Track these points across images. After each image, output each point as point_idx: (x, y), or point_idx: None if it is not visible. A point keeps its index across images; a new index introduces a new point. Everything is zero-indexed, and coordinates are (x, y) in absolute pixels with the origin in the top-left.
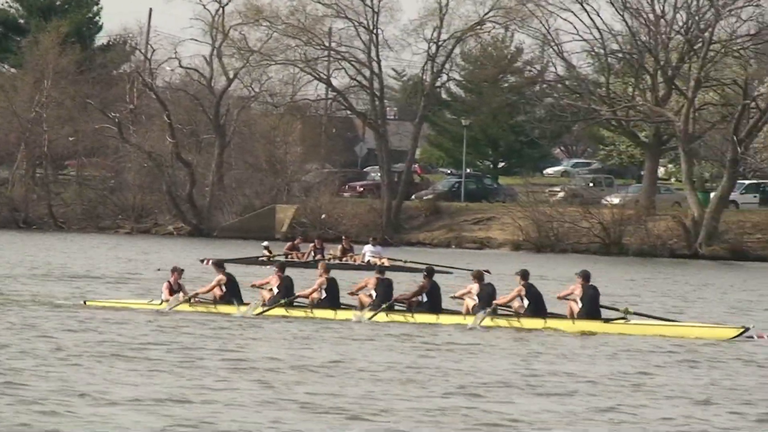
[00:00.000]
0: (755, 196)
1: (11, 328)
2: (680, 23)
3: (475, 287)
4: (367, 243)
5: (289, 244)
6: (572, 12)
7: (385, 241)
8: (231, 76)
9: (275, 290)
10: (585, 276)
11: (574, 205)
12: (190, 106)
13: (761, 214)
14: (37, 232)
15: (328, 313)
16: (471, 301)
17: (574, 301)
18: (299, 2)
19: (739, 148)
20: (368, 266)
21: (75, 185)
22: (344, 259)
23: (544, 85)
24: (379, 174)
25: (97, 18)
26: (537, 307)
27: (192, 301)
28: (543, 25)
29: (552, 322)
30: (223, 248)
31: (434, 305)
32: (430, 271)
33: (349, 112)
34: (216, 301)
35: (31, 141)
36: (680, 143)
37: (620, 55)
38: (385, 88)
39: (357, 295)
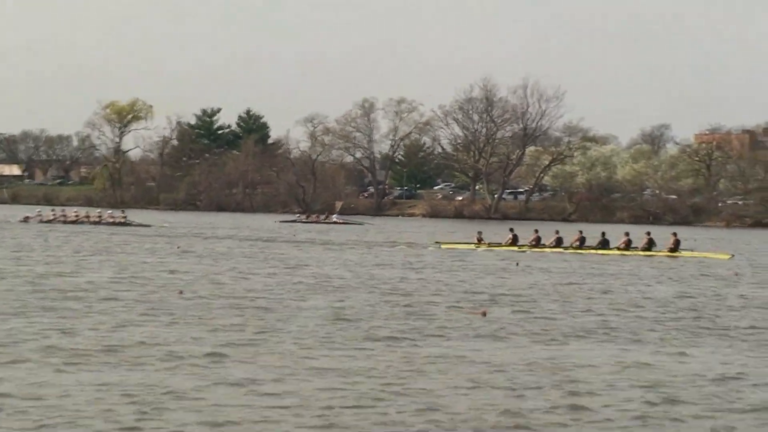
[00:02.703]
0: (514, 197)
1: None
2: (483, 132)
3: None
4: (335, 213)
5: (315, 214)
6: (443, 128)
7: (343, 211)
8: (319, 152)
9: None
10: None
11: (445, 200)
12: (300, 165)
13: (513, 202)
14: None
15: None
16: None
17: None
18: (343, 128)
19: (506, 179)
20: (335, 223)
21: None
22: (325, 218)
23: (434, 156)
24: (372, 188)
25: (269, 133)
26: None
27: (488, 245)
28: (433, 133)
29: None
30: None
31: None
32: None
33: (363, 165)
34: (507, 244)
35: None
36: (484, 177)
37: (461, 144)
38: (375, 157)
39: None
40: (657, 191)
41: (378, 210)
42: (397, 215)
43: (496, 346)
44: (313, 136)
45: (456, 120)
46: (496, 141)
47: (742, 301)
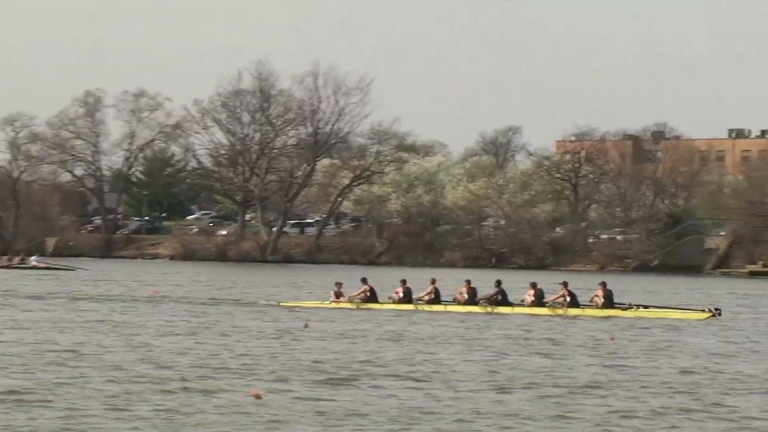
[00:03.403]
0: (300, 231)
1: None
2: (257, 139)
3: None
4: (34, 255)
5: (7, 257)
6: (199, 133)
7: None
8: (23, 168)
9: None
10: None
11: (203, 236)
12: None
13: (299, 238)
14: None
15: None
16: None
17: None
18: (57, 134)
19: (288, 205)
20: (33, 267)
21: None
22: (20, 262)
23: (187, 173)
24: (99, 219)
25: None
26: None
27: (352, 300)
28: (185, 140)
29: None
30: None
31: None
32: None
33: (86, 186)
34: (364, 301)
35: None
36: (257, 202)
37: (225, 156)
38: (103, 175)
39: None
40: (502, 222)
41: (107, 250)
42: (135, 257)
43: None
44: (14, 145)
45: (218, 121)
46: (275, 151)
47: (600, 380)
